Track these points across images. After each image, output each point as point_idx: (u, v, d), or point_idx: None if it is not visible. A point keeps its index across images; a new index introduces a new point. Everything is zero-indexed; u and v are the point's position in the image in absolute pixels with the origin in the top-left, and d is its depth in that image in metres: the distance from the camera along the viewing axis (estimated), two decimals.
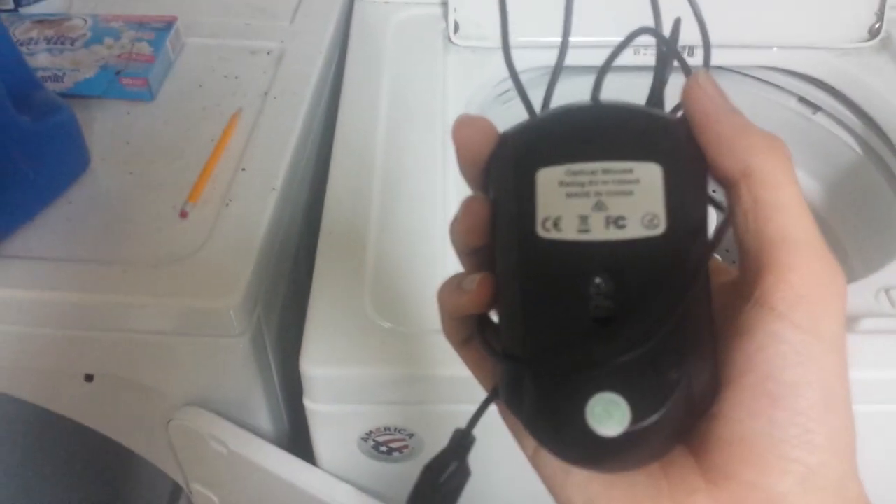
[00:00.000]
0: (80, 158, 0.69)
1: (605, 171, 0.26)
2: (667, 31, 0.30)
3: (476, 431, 0.31)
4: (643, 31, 0.28)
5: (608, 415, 0.24)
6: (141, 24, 0.80)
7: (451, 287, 0.29)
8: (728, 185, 0.26)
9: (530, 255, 0.26)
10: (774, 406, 0.24)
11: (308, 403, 0.59)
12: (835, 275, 0.25)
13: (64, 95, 0.73)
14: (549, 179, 0.26)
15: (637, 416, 0.24)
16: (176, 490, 0.89)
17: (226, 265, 0.62)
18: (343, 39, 0.88)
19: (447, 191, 0.69)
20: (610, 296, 0.25)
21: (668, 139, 0.26)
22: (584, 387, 0.24)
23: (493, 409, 0.30)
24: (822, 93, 0.86)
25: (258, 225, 0.65)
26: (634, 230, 0.25)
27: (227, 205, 0.66)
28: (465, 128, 0.29)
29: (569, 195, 0.26)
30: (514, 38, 0.82)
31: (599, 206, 0.25)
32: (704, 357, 0.25)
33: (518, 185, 0.27)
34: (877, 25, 0.82)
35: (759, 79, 0.90)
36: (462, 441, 0.31)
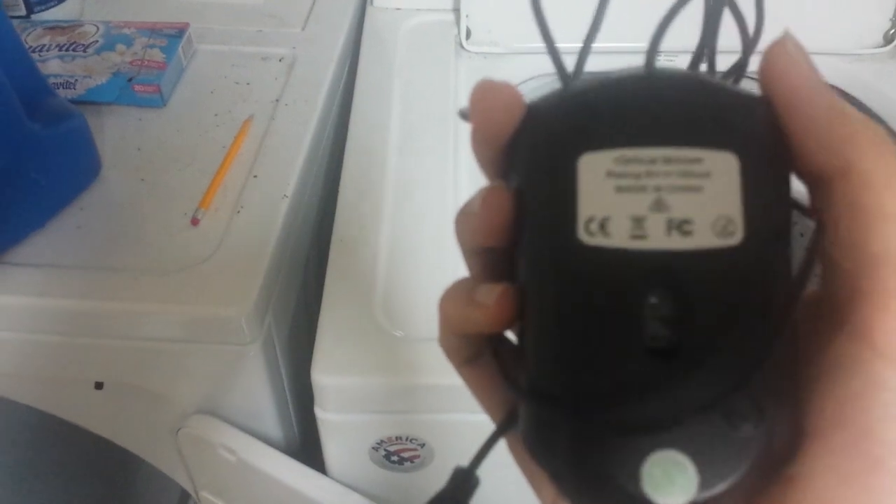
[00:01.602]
0: (91, 165, 0.69)
1: (667, 161, 0.20)
2: None
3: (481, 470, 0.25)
4: None
5: (670, 480, 0.19)
6: (153, 30, 0.80)
7: (460, 297, 0.24)
8: (819, 183, 0.21)
9: (569, 266, 0.21)
10: (873, 471, 0.19)
11: (319, 412, 0.59)
12: None
13: (76, 102, 0.73)
14: (594, 168, 0.21)
15: (706, 482, 0.19)
16: (183, 496, 0.88)
17: (237, 273, 0.62)
18: (355, 46, 0.87)
19: (459, 198, 0.69)
20: (671, 321, 0.20)
21: (747, 122, 0.21)
22: (641, 443, 0.19)
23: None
24: None
25: (269, 232, 0.65)
26: (703, 238, 0.20)
27: (239, 212, 0.66)
28: (484, 96, 0.23)
29: (619, 190, 0.21)
30: (526, 44, 0.83)
31: (659, 206, 0.20)
32: (787, 405, 0.20)
33: (554, 174, 0.21)
34: (891, 31, 0.81)
35: None
36: (464, 484, 0.25)
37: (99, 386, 0.66)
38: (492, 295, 0.23)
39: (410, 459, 0.62)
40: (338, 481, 0.64)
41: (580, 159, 0.21)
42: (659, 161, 0.20)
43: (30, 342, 0.64)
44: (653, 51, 0.23)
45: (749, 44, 0.24)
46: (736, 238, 0.20)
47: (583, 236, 0.21)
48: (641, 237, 0.20)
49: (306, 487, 0.62)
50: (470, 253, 0.24)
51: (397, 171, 0.71)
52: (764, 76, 0.22)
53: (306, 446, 0.70)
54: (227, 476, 0.67)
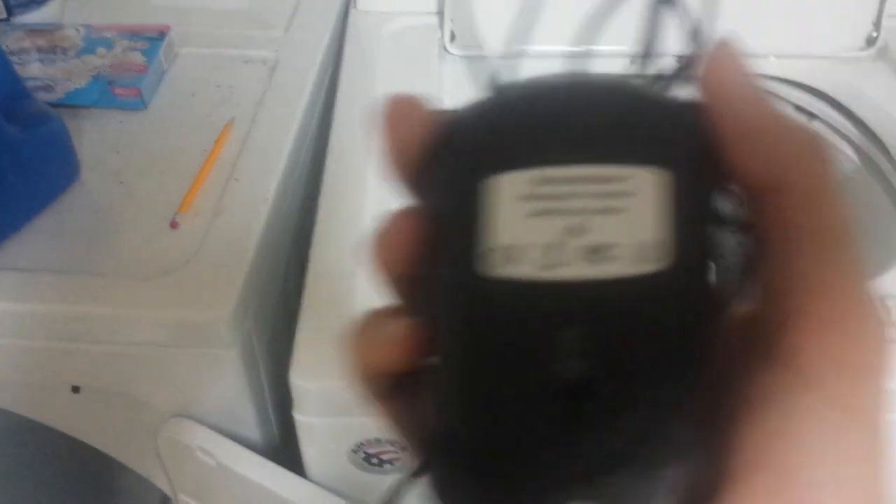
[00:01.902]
0: (69, 169, 0.68)
1: (587, 180, 0.19)
2: None
3: None
4: None
5: None
6: (134, 33, 0.80)
7: (367, 332, 0.21)
8: (751, 198, 0.20)
9: (475, 300, 0.19)
10: None
11: (298, 416, 0.59)
12: (881, 334, 0.19)
13: (56, 105, 0.73)
14: (505, 190, 0.19)
15: None
16: (164, 500, 0.88)
17: (216, 277, 0.62)
18: (337, 49, 0.87)
19: None
20: (585, 359, 0.18)
21: (674, 135, 0.19)
22: (553, 497, 0.18)
23: None
24: (818, 102, 0.86)
25: (250, 236, 0.65)
26: (625, 265, 0.18)
27: (219, 216, 0.66)
28: (392, 111, 0.21)
29: (533, 213, 0.19)
30: (510, 47, 0.82)
31: (576, 231, 0.18)
32: (707, 441, 0.18)
33: (463, 197, 0.19)
34: (874, 34, 0.81)
35: None
36: None
37: (75, 390, 0.65)
38: (397, 331, 0.20)
39: (391, 461, 0.62)
40: (317, 484, 0.63)
41: (491, 181, 0.19)
42: (578, 181, 0.19)
43: (6, 347, 0.63)
44: (578, 56, 0.21)
45: (694, 46, 0.22)
46: (660, 263, 0.18)
47: (491, 266, 0.19)
48: (556, 266, 0.18)
49: (285, 490, 0.62)
50: (387, 280, 0.22)
51: (380, 174, 0.70)
52: (700, 83, 0.20)
53: (286, 448, 0.70)
54: (206, 479, 0.67)
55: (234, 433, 0.66)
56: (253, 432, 0.68)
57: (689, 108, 0.20)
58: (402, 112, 0.21)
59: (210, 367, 0.63)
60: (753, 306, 0.20)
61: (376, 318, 0.21)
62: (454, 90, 0.81)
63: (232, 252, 0.63)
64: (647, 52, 0.22)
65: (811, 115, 0.87)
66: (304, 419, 0.58)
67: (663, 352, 0.18)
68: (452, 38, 0.85)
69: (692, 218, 0.19)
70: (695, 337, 0.18)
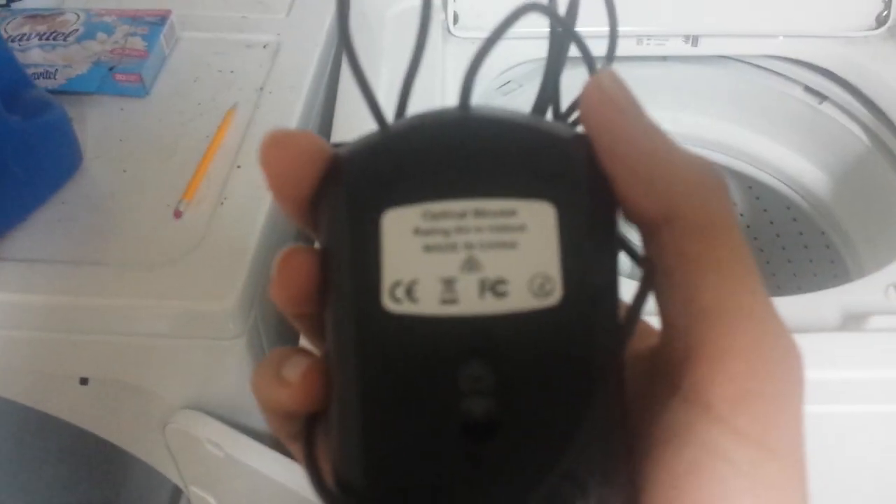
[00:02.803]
0: (72, 158, 0.67)
1: (479, 214, 0.19)
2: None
3: None
4: (529, 8, 0.20)
5: None
6: (134, 18, 0.79)
7: (268, 373, 0.20)
8: (646, 231, 0.19)
9: (373, 337, 0.18)
10: None
11: None
12: (790, 357, 0.18)
13: (56, 92, 0.72)
14: (399, 226, 0.19)
15: None
16: (176, 491, 0.88)
17: (221, 266, 0.61)
18: None
19: None
20: (488, 395, 0.18)
21: (564, 167, 0.19)
22: None
23: None
24: (828, 82, 0.85)
25: (254, 224, 0.64)
26: (520, 300, 0.18)
27: (223, 203, 0.65)
28: (277, 148, 0.20)
29: (428, 249, 0.19)
30: (514, 29, 0.81)
31: (471, 266, 0.18)
32: (617, 481, 0.18)
33: (355, 233, 0.19)
34: (884, 13, 0.80)
35: (764, 68, 0.88)
36: None
37: (84, 381, 0.65)
38: (297, 371, 0.20)
39: None
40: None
41: (384, 216, 0.19)
42: (469, 215, 0.19)
43: (12, 338, 0.63)
44: (467, 86, 0.21)
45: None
46: (554, 297, 0.18)
47: (388, 303, 0.18)
48: (452, 301, 0.18)
49: (295, 482, 0.62)
50: (290, 317, 0.21)
51: None
52: (581, 116, 0.20)
53: None
54: (216, 471, 0.67)
55: (243, 424, 0.66)
56: (261, 423, 0.67)
57: (582, 142, 0.20)
58: (284, 149, 0.20)
59: (217, 357, 0.63)
60: (658, 340, 0.20)
61: (278, 355, 0.21)
62: (457, 72, 0.80)
63: (236, 241, 0.63)
64: (548, 86, 0.22)
65: (821, 96, 0.86)
66: None
67: (558, 386, 0.18)
68: (456, 19, 0.83)
69: (585, 252, 0.19)
70: (591, 370, 0.18)
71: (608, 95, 0.19)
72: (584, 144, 0.20)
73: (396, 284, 0.19)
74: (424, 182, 0.19)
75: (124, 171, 0.69)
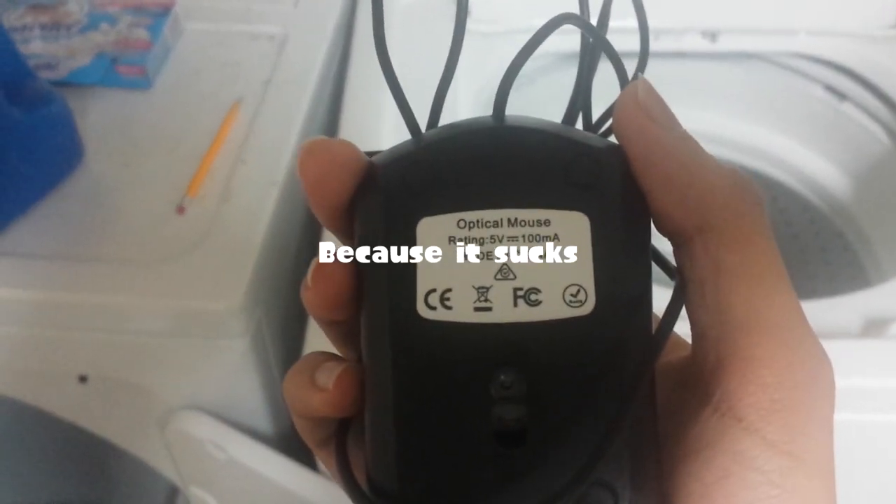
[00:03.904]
0: (73, 151, 0.66)
1: (513, 223, 0.19)
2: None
3: None
4: (563, 19, 0.21)
5: None
6: (138, 8, 0.77)
7: (301, 378, 0.21)
8: (679, 241, 0.20)
9: (407, 344, 0.19)
10: None
11: None
12: (821, 369, 0.18)
13: (58, 84, 0.71)
14: (434, 234, 0.19)
15: None
16: (173, 491, 0.87)
17: (225, 264, 0.60)
18: (348, 24, 0.84)
19: None
20: (520, 402, 0.18)
21: (598, 177, 0.19)
22: None
23: None
24: (849, 81, 0.82)
25: (259, 221, 0.62)
26: (553, 308, 0.18)
27: (227, 200, 0.64)
28: (314, 157, 0.20)
29: (462, 257, 0.19)
30: (528, 22, 0.80)
31: (505, 274, 0.19)
32: (648, 489, 0.18)
33: (390, 241, 0.19)
34: None
35: (784, 66, 0.86)
36: None
37: (83, 379, 0.64)
38: (331, 377, 0.20)
39: None
40: (329, 478, 0.62)
41: (419, 224, 0.19)
42: (504, 224, 0.19)
43: (11, 335, 0.61)
44: (502, 96, 0.21)
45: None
46: (587, 307, 0.19)
47: (423, 310, 0.19)
48: (486, 309, 0.19)
49: (296, 485, 0.61)
50: (321, 324, 0.22)
51: None
52: (616, 127, 0.20)
53: (299, 441, 0.69)
54: (217, 472, 0.65)
55: (245, 425, 0.65)
56: (264, 424, 0.66)
57: (616, 151, 0.20)
58: (321, 158, 0.20)
59: (219, 357, 0.61)
60: (688, 352, 0.20)
61: (311, 361, 0.21)
62: (469, 66, 0.78)
63: (240, 238, 0.61)
64: (579, 97, 0.22)
65: (841, 96, 0.84)
66: None
67: (590, 394, 0.18)
68: (469, 15, 0.82)
69: (618, 262, 0.19)
70: (622, 379, 0.18)
71: (643, 105, 0.20)
72: (617, 155, 0.20)
73: (431, 292, 0.19)
74: (459, 191, 0.19)
75: (126, 165, 0.67)
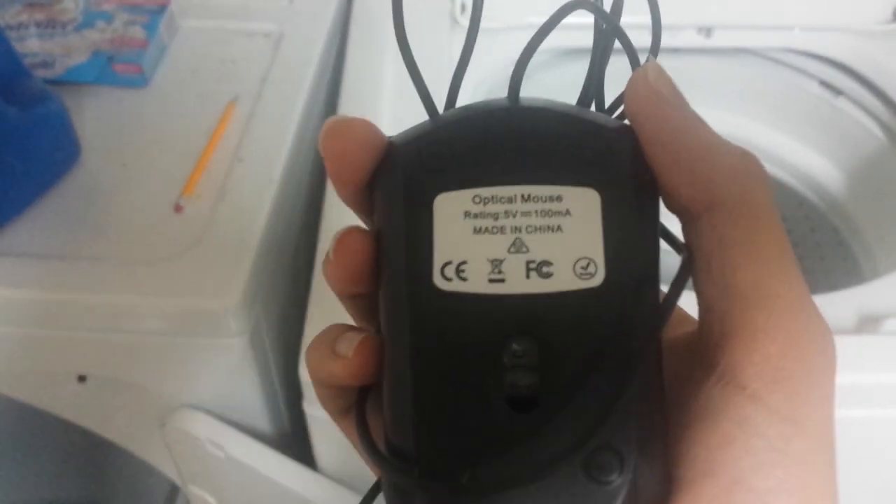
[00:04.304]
0: (70, 150, 0.66)
1: (526, 199, 0.20)
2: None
3: None
4: (577, 4, 0.21)
5: None
6: (134, 6, 0.77)
7: (323, 347, 0.22)
8: (687, 218, 0.20)
9: (424, 314, 0.20)
10: None
11: (308, 408, 0.57)
12: (823, 341, 0.19)
13: (55, 82, 0.71)
14: (450, 209, 0.20)
15: None
16: (174, 489, 0.87)
17: (222, 262, 0.60)
18: (344, 21, 0.84)
19: None
20: (532, 370, 0.19)
21: (609, 156, 0.20)
22: (499, 503, 0.18)
23: None
24: (844, 76, 0.83)
25: (256, 219, 0.62)
26: (564, 280, 0.19)
27: (224, 198, 0.64)
28: (337, 135, 0.21)
29: (477, 231, 0.20)
30: (524, 19, 0.80)
31: (518, 247, 0.19)
32: (654, 453, 0.19)
33: (408, 216, 0.20)
34: None
35: (779, 61, 0.86)
36: None
37: (82, 379, 0.64)
38: (351, 346, 0.21)
39: None
40: (328, 477, 0.62)
41: (436, 200, 0.20)
42: (518, 199, 0.20)
43: (9, 335, 0.62)
44: (517, 78, 0.22)
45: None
46: (597, 279, 0.19)
47: (439, 282, 0.20)
48: (500, 281, 0.19)
49: (295, 483, 0.61)
50: (342, 298, 0.23)
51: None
52: (627, 107, 0.21)
53: (298, 438, 0.69)
54: (215, 471, 0.66)
55: (243, 424, 0.65)
56: (263, 423, 0.66)
57: (626, 130, 0.21)
58: (344, 136, 0.21)
59: (217, 356, 0.61)
60: (694, 327, 0.21)
61: (332, 332, 0.22)
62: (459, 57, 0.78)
63: (238, 236, 0.61)
64: (592, 83, 0.23)
65: (837, 91, 0.84)
66: (315, 412, 0.57)
67: (598, 362, 0.19)
68: (463, 9, 0.82)
69: (627, 236, 0.20)
70: (630, 348, 0.19)
71: (653, 87, 0.20)
72: (628, 134, 0.21)
73: (447, 264, 0.20)
74: (474, 168, 0.20)
75: (123, 164, 0.67)
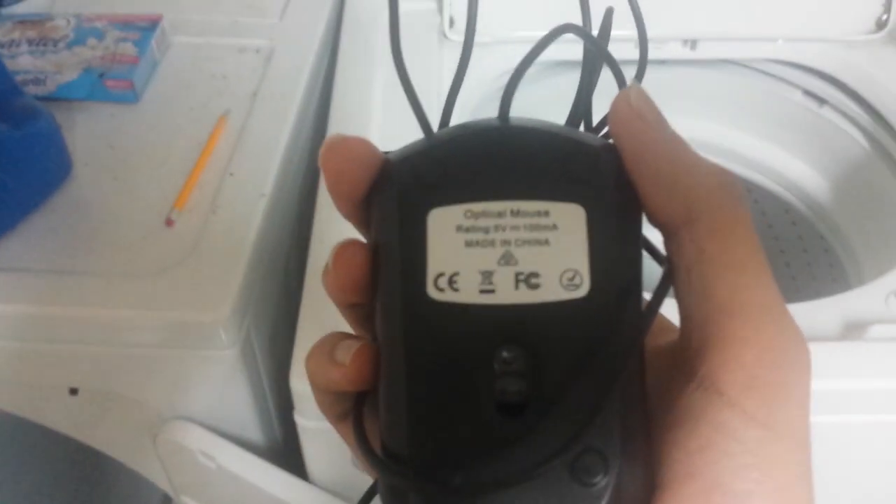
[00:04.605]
0: (61, 166, 0.66)
1: (515, 214, 0.21)
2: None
3: None
4: (566, 29, 0.23)
5: None
6: (125, 23, 0.78)
7: (322, 355, 0.23)
8: (668, 231, 0.21)
9: (418, 322, 0.21)
10: None
11: (299, 419, 0.57)
12: (798, 348, 0.20)
13: (46, 99, 0.71)
14: (443, 223, 0.21)
15: None
16: (166, 499, 0.87)
17: (213, 276, 0.60)
18: (334, 36, 0.85)
19: None
20: (521, 376, 0.20)
21: (594, 173, 0.21)
22: (489, 503, 0.19)
23: None
24: (828, 86, 0.84)
25: (247, 233, 0.63)
26: (551, 291, 0.20)
27: (215, 212, 0.64)
28: (335, 153, 0.22)
29: (469, 244, 0.21)
30: (512, 34, 0.81)
31: (507, 260, 0.20)
32: (637, 457, 0.20)
33: (403, 229, 0.21)
34: (884, 17, 0.79)
35: (763, 72, 0.88)
36: None
37: (73, 392, 0.64)
38: (348, 353, 0.22)
39: None
40: (320, 487, 0.62)
41: (430, 214, 0.21)
42: (507, 214, 0.21)
43: (0, 348, 0.62)
44: (507, 98, 0.23)
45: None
46: (582, 290, 0.20)
47: (432, 292, 0.21)
48: (490, 291, 0.20)
49: (287, 494, 0.61)
50: (340, 307, 0.24)
51: None
52: (610, 128, 0.22)
53: (290, 449, 0.69)
54: (208, 482, 0.66)
55: (235, 435, 0.65)
56: (255, 434, 0.67)
57: (610, 149, 0.22)
58: (341, 154, 0.22)
59: (209, 368, 0.62)
60: (676, 336, 0.22)
61: (330, 340, 0.23)
62: (453, 75, 0.79)
63: (229, 250, 0.62)
64: (580, 103, 0.24)
65: (820, 100, 0.85)
66: (307, 423, 0.57)
67: (582, 369, 0.20)
68: (452, 23, 0.82)
69: (611, 250, 0.21)
70: (614, 356, 0.20)
71: (635, 108, 0.21)
72: (612, 153, 0.22)
73: (440, 275, 0.21)
74: (466, 184, 0.21)
75: (115, 178, 0.68)
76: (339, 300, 0.23)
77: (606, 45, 0.24)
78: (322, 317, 0.58)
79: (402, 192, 0.22)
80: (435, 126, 0.24)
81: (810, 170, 0.89)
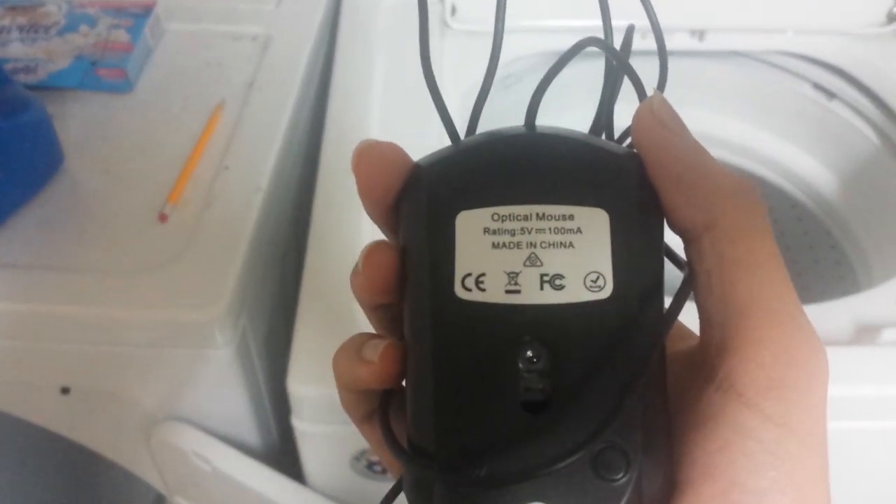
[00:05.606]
0: (52, 158, 0.65)
1: (541, 217, 0.21)
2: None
3: None
4: (588, 42, 0.23)
5: None
6: (118, 9, 0.75)
7: (349, 354, 0.23)
8: (688, 237, 0.22)
9: (445, 321, 0.21)
10: None
11: (296, 423, 0.56)
12: (815, 352, 0.20)
13: (37, 88, 0.69)
14: (471, 225, 0.22)
15: None
16: (159, 498, 0.86)
17: (208, 272, 0.59)
18: (333, 24, 0.83)
19: None
20: (545, 374, 0.20)
21: (617, 179, 0.22)
22: (511, 497, 0.20)
23: None
24: (837, 79, 0.82)
25: (243, 228, 0.61)
26: (575, 292, 0.21)
27: (209, 207, 0.63)
28: (366, 158, 0.23)
29: (495, 246, 0.21)
30: (514, 23, 0.78)
31: (533, 261, 0.21)
32: (658, 455, 0.20)
33: (432, 231, 0.22)
34: (895, 10, 0.77)
35: (772, 64, 0.86)
36: None
37: (65, 391, 0.63)
38: (376, 351, 0.23)
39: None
40: (317, 491, 0.61)
41: (458, 217, 0.22)
42: (533, 217, 0.21)
43: None
44: (533, 107, 0.24)
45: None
46: (605, 292, 0.21)
47: (459, 292, 0.21)
48: (516, 292, 0.21)
49: (283, 497, 0.60)
50: (367, 309, 0.25)
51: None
52: (633, 136, 0.23)
53: (286, 451, 0.68)
54: (202, 484, 0.65)
55: (231, 436, 0.64)
56: (251, 436, 0.65)
57: (634, 156, 0.23)
58: (373, 159, 0.23)
59: (203, 368, 0.60)
60: (695, 342, 0.23)
61: (357, 340, 0.24)
62: (455, 66, 0.77)
63: (224, 246, 0.60)
64: (602, 114, 0.25)
65: (830, 94, 0.84)
66: (304, 426, 0.56)
67: (605, 368, 0.20)
68: (453, 11, 0.80)
69: (633, 253, 0.21)
70: (635, 355, 0.20)
71: (658, 116, 0.22)
72: (634, 160, 0.22)
73: (467, 276, 0.21)
74: (493, 188, 0.22)
75: (107, 171, 0.66)
76: (366, 301, 0.24)
77: (628, 59, 0.24)
78: (320, 316, 0.56)
79: (431, 195, 0.22)
80: (462, 132, 0.25)
81: (818, 164, 0.88)
